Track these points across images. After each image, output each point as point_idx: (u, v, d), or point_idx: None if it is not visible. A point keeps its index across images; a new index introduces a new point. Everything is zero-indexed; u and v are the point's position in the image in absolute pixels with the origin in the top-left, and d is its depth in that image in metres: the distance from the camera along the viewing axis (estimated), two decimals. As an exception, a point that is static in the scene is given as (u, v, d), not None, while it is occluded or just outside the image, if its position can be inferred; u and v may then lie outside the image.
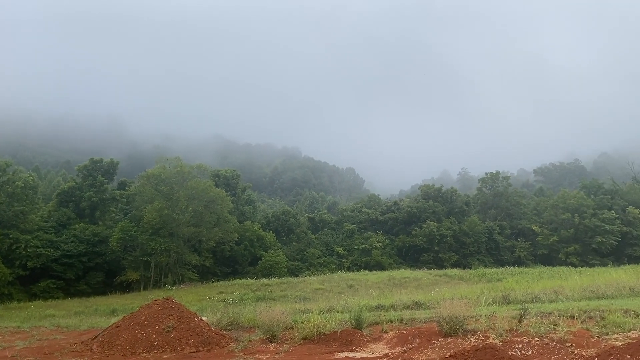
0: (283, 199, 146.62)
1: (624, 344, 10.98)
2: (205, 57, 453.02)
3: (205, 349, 16.15)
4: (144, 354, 15.75)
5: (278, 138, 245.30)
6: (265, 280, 53.04)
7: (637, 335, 12.75)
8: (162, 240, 58.61)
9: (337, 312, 20.78)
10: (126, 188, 74.53)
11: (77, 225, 62.55)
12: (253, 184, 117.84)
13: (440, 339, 14.51)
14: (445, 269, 63.78)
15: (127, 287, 57.16)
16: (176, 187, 62.37)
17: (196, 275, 61.64)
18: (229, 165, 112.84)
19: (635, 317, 14.32)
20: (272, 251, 68.30)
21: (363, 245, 75.18)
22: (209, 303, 38.28)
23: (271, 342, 16.55)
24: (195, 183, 63.07)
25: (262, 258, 66.53)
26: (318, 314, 18.11)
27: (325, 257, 74.92)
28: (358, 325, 16.68)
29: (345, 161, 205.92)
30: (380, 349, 14.96)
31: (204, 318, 18.68)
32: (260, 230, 72.91)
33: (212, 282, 57.17)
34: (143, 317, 17.34)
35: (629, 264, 60.33)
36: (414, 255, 76.34)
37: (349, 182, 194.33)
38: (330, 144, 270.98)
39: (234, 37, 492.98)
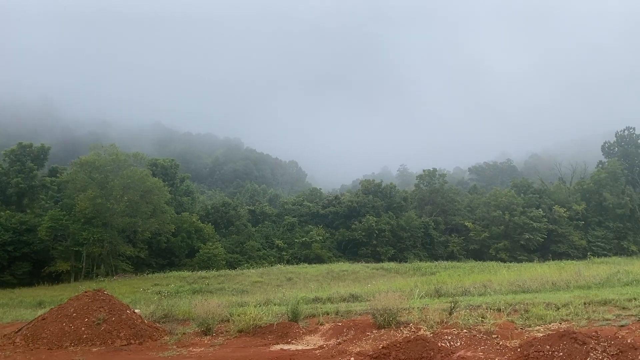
0: (223, 190, 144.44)
1: (545, 335, 11.60)
2: (146, 42, 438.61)
3: (137, 341, 15.77)
4: (72, 348, 15.19)
5: (220, 128, 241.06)
6: (203, 273, 52.31)
7: (557, 327, 13.50)
8: (95, 230, 56.68)
9: (275, 304, 20.81)
10: (58, 175, 71.50)
11: (2, 213, 59.45)
12: (193, 174, 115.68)
13: (374, 331, 14.83)
14: (382, 262, 65.33)
15: (56, 278, 54.90)
16: (111, 175, 60.40)
17: (130, 266, 60.11)
18: (168, 155, 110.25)
19: (556, 310, 15.16)
20: (210, 243, 67.37)
21: (303, 239, 75.50)
22: (143, 295, 37.46)
23: (206, 334, 16.39)
24: (132, 172, 61.21)
25: (200, 250, 65.57)
26: (255, 306, 18.06)
27: (265, 250, 74.73)
28: (294, 317, 16.79)
29: (288, 154, 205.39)
30: (315, 340, 15.12)
31: (136, 310, 18.24)
32: (199, 221, 71.72)
33: (147, 274, 55.81)
34: (72, 309, 16.70)
35: (553, 259, 64.12)
36: (352, 249, 77.50)
37: (291, 175, 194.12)
38: (273, 136, 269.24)
39: (177, 22, 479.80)
